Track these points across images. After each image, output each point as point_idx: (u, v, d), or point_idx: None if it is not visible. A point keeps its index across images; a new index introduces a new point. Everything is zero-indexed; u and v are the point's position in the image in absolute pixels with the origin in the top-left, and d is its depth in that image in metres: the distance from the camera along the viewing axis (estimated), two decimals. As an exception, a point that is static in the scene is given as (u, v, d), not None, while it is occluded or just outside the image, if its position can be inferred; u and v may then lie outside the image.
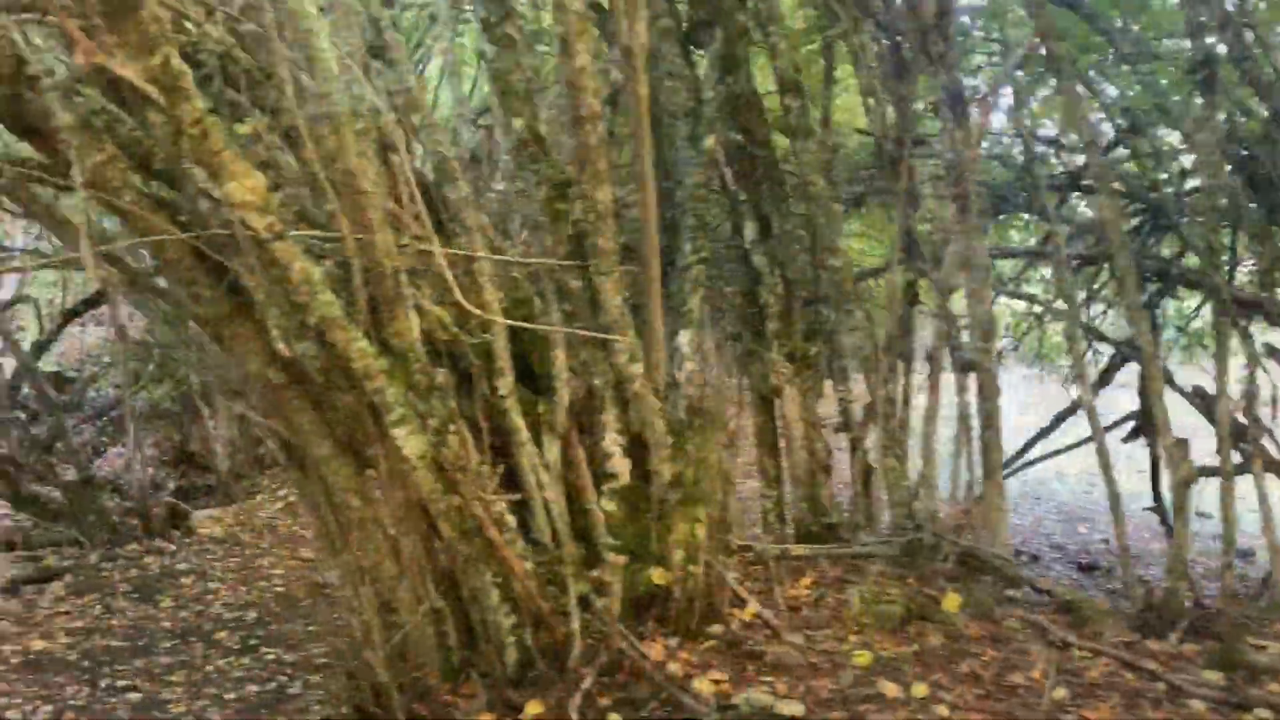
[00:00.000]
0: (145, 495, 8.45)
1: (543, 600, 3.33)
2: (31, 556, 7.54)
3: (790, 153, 4.46)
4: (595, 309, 3.48)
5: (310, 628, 6.75)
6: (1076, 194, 7.69)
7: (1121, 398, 8.64)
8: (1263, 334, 5.71)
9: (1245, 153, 5.22)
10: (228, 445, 11.67)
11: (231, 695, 5.42)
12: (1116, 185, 6.03)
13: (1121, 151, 7.43)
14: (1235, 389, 4.53)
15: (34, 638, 6.25)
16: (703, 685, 3.18)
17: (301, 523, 9.97)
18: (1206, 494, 5.85)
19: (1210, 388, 4.92)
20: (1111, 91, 6.84)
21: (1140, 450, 7.71)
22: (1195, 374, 6.52)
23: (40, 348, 14.43)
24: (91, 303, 14.04)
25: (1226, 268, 5.77)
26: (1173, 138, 6.89)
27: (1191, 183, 6.68)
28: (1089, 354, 7.71)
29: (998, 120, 7.87)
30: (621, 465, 3.63)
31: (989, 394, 4.37)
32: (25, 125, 2.80)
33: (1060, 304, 6.85)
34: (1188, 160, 6.61)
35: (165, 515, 8.54)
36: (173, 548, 8.27)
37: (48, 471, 8.07)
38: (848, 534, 4.47)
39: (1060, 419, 7.90)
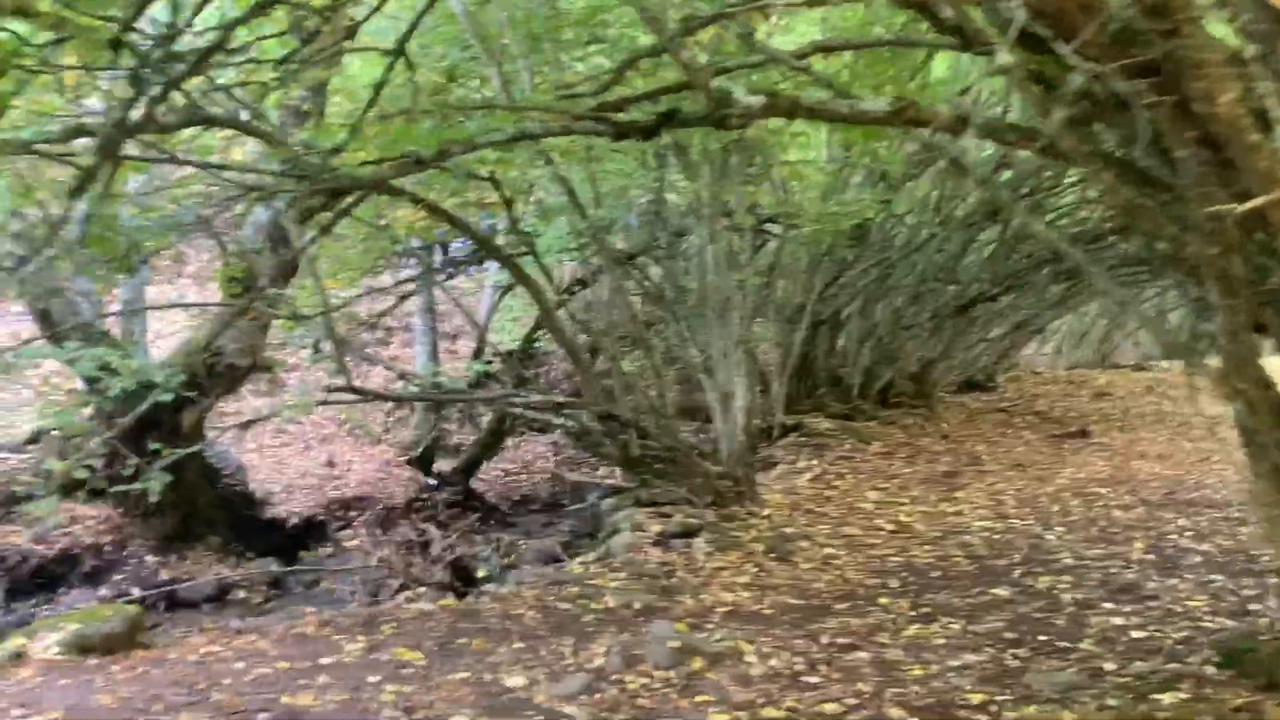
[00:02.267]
0: (737, 460, 8.82)
1: None
2: (659, 514, 8.05)
3: None
4: None
5: (967, 599, 6.69)
6: None
7: None
8: None
9: None
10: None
11: (955, 663, 5.36)
12: None
13: None
14: None
15: (715, 590, 6.63)
16: None
17: (854, 492, 10.14)
18: None
19: None
20: None
21: None
22: None
23: (530, 336, 15.78)
24: (569, 291, 15.12)
25: None
26: None
27: None
28: None
29: None
30: None
31: None
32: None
33: None
34: None
35: (750, 480, 8.86)
36: (765, 511, 8.58)
37: (657, 433, 8.58)
38: None
39: None
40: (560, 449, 19.37)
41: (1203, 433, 11.43)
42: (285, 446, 14.93)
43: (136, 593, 9.88)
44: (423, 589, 9.98)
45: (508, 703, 4.59)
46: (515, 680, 4.83)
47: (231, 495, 11.94)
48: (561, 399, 8.87)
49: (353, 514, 13.61)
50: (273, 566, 11.28)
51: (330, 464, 14.74)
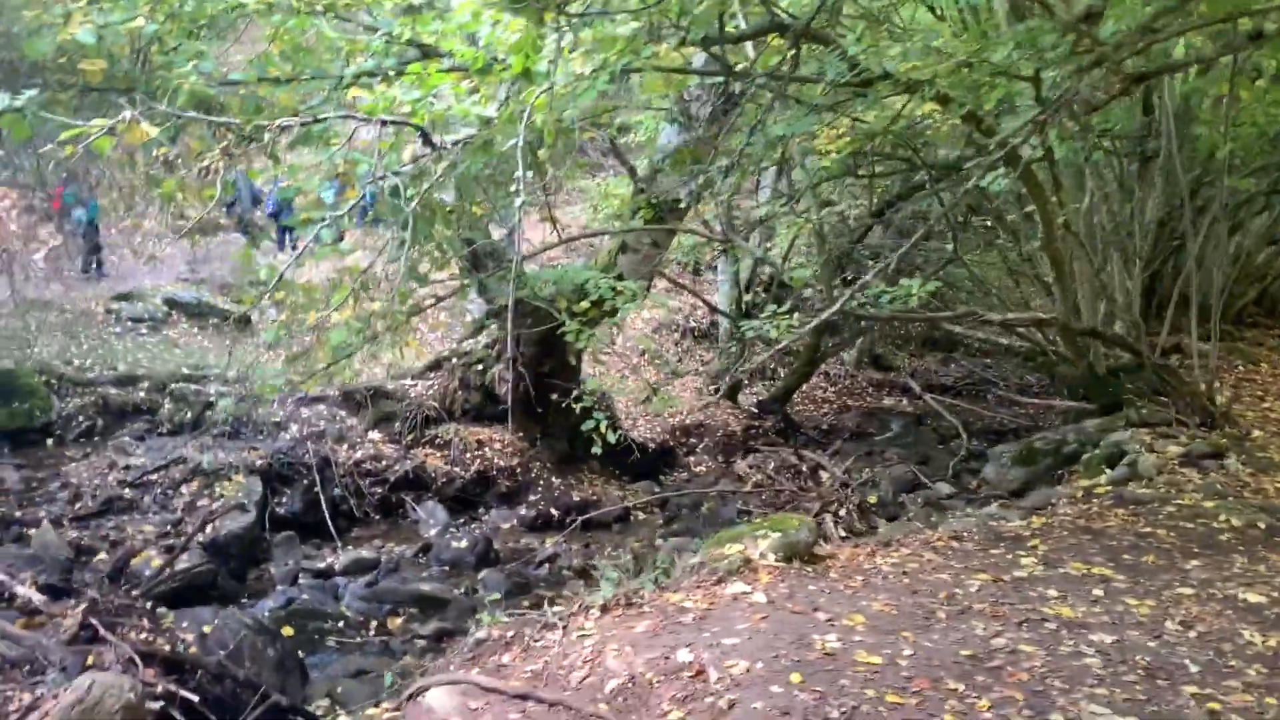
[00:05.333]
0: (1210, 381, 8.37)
1: None
2: (1161, 434, 7.69)
3: None
4: None
5: None
6: None
7: None
8: None
9: None
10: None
11: None
12: None
13: None
14: None
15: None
16: None
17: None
18: None
19: None
20: None
21: None
22: None
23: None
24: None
25: None
26: None
27: None
28: None
29: None
30: None
31: None
32: None
33: None
34: None
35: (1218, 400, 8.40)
36: (1254, 433, 8.13)
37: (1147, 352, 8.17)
38: None
39: None
40: (834, 380, 19.21)
41: None
42: (603, 376, 15.08)
43: (556, 513, 10.18)
44: (842, 511, 9.97)
45: (1273, 619, 4.36)
46: (1254, 596, 4.61)
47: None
48: (1043, 315, 8.54)
49: (693, 440, 13.72)
50: (655, 490, 11.47)
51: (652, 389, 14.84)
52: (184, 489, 8.63)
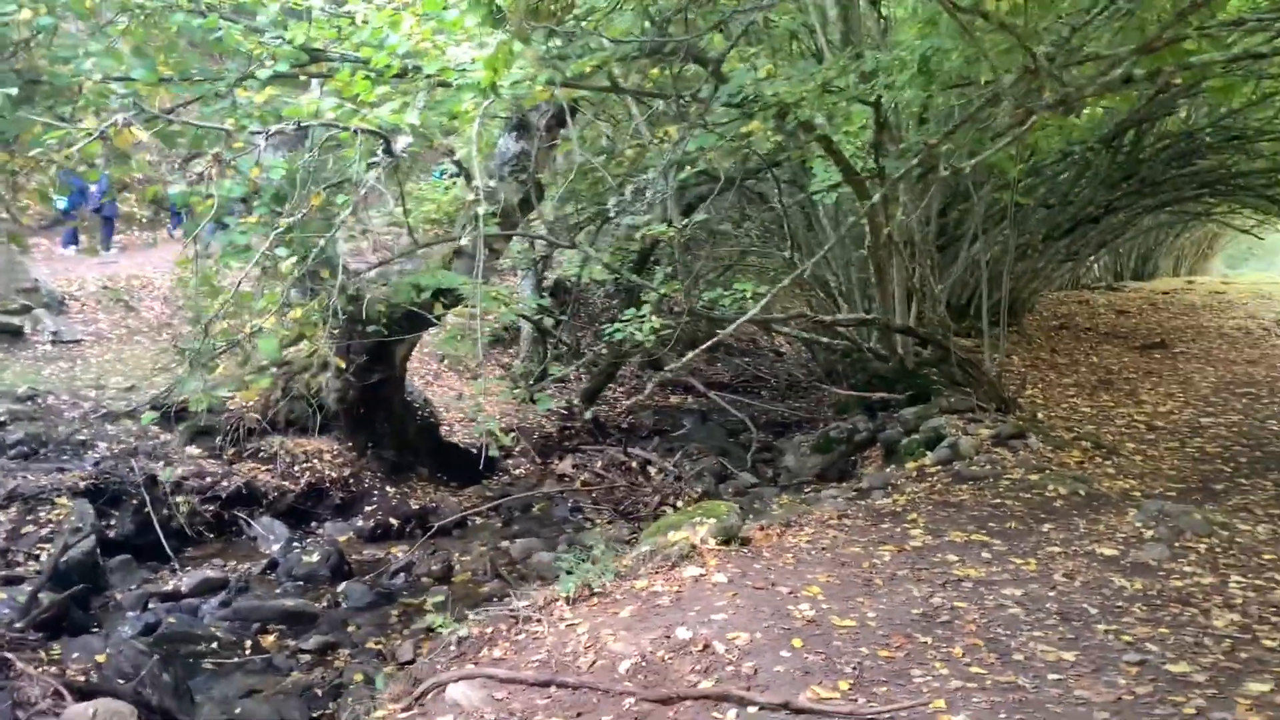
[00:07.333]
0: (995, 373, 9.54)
1: None
2: (970, 420, 8.72)
3: None
4: None
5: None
6: None
7: None
8: None
9: None
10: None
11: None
12: None
13: None
14: None
15: (1107, 480, 7.38)
16: None
17: (1058, 399, 11.04)
18: None
19: None
20: None
21: None
22: None
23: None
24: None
25: None
26: None
27: None
28: None
29: None
30: None
31: None
32: None
33: None
34: None
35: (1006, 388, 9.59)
36: (1039, 415, 9.38)
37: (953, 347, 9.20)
38: None
39: None
40: (620, 380, 19.89)
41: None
42: (424, 384, 14.92)
43: (395, 522, 10.08)
44: (680, 503, 10.50)
45: (1130, 566, 5.23)
46: (1107, 550, 5.47)
47: (428, 427, 12.10)
48: (867, 315, 9.39)
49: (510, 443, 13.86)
50: (487, 494, 11.53)
51: (460, 396, 14.84)
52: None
